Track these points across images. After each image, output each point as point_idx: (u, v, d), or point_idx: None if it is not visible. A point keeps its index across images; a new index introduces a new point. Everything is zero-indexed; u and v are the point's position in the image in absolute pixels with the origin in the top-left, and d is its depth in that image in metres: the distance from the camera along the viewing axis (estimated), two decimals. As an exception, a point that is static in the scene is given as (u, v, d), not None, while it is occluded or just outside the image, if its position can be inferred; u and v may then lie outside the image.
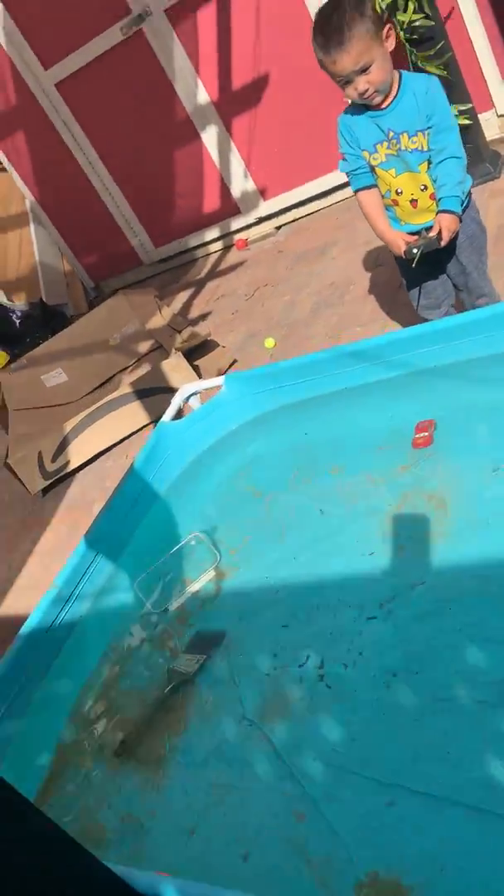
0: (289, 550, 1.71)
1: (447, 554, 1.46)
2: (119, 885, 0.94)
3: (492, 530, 1.44)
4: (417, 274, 2.14)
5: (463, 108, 3.05)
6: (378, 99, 1.87)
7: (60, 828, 0.90)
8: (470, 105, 3.10)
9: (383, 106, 1.91)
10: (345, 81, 1.83)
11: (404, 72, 1.92)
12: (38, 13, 4.31)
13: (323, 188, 4.26)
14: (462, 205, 1.95)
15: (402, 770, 1.16)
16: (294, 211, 4.49)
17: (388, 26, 1.81)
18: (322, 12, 1.80)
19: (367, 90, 1.83)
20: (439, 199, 1.94)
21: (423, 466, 1.68)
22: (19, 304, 5.42)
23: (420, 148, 1.92)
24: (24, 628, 1.74)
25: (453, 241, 2.01)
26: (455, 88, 3.06)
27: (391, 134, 1.92)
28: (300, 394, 2.08)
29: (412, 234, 2.03)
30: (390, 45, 1.82)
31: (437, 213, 1.95)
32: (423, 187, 1.98)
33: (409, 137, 1.91)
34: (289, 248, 4.17)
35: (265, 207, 4.52)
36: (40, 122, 4.78)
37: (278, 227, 4.57)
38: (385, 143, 1.94)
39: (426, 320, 2.25)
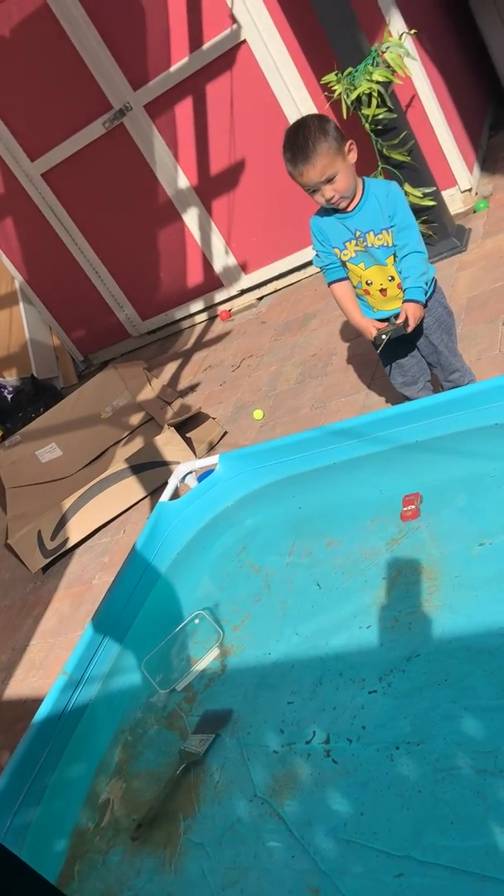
0: (289, 625, 1.79)
1: (439, 625, 1.54)
2: None
3: (479, 601, 1.53)
4: (391, 354, 2.30)
5: (427, 190, 3.26)
6: (344, 204, 2.06)
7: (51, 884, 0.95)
8: (434, 188, 3.31)
9: (349, 209, 2.10)
10: (312, 190, 2.02)
11: (367, 178, 2.13)
12: (23, 109, 4.57)
13: (300, 261, 4.47)
14: (426, 294, 2.13)
15: (409, 841, 1.22)
16: (274, 283, 4.69)
17: (349, 142, 2.02)
18: (290, 132, 2.00)
19: (333, 197, 2.02)
20: (404, 290, 2.12)
21: (412, 539, 1.78)
22: (10, 379, 5.57)
23: (385, 244, 2.11)
24: (37, 716, 1.79)
25: (420, 326, 2.18)
26: (419, 173, 3.28)
27: (358, 233, 2.10)
28: (293, 469, 2.19)
29: (383, 320, 2.20)
30: (352, 157, 2.02)
31: (403, 303, 2.12)
32: (390, 278, 2.16)
33: (375, 235, 2.09)
34: (271, 319, 4.35)
35: (247, 280, 4.72)
36: (28, 209, 5.01)
37: (260, 298, 4.77)
38: (353, 241, 2.12)
39: (405, 394, 2.39)
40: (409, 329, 2.12)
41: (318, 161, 1.94)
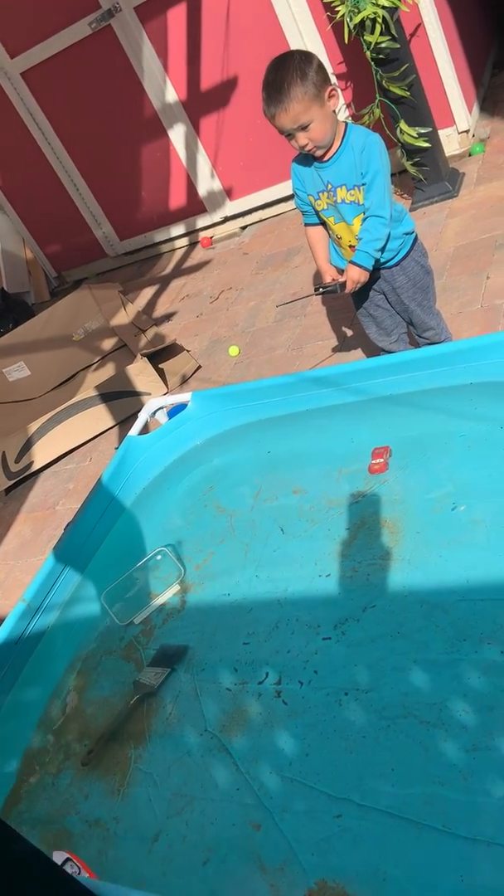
0: (250, 568, 1.81)
1: (397, 579, 1.57)
2: (93, 902, 1.03)
3: (438, 558, 1.56)
4: (360, 302, 2.26)
5: (423, 130, 3.14)
6: (319, 153, 1.96)
7: (41, 851, 0.98)
8: (430, 128, 3.20)
9: (325, 159, 1.99)
10: (287, 135, 1.91)
11: (351, 125, 1.99)
12: (5, 1, 4.25)
13: (288, 192, 4.32)
14: (380, 260, 2.09)
15: (351, 784, 1.27)
16: (259, 212, 4.55)
17: (330, 87, 1.87)
18: (269, 68, 1.87)
19: (307, 145, 1.91)
20: (354, 251, 2.05)
21: (378, 492, 1.79)
22: (-21, 291, 5.37)
23: (356, 201, 2.01)
24: (-6, 640, 1.80)
25: (368, 288, 2.17)
26: (417, 111, 3.15)
27: (329, 186, 2.01)
28: (265, 413, 2.17)
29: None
30: (333, 104, 1.89)
31: (348, 262, 2.06)
32: (358, 237, 2.08)
33: (348, 190, 2.00)
34: (253, 251, 4.23)
35: (231, 207, 4.57)
36: (5, 110, 4.73)
37: (243, 228, 4.63)
38: (325, 194, 2.03)
39: (379, 345, 2.37)
40: (346, 291, 2.10)
41: (290, 106, 1.82)
